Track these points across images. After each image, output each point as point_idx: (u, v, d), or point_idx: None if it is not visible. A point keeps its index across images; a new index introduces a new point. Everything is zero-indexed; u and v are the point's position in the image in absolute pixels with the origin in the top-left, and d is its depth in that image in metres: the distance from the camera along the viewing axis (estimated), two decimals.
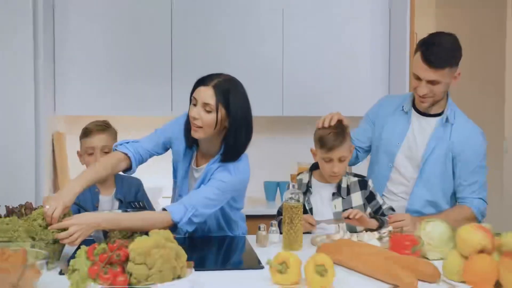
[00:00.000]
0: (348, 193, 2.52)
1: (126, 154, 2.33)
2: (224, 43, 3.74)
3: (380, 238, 2.25)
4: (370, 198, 2.54)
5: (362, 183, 2.55)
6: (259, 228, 2.30)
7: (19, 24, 3.25)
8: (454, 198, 2.67)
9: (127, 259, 1.62)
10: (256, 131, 2.49)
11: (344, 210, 2.47)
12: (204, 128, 2.22)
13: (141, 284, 1.59)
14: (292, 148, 3.95)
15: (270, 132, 4.02)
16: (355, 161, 2.89)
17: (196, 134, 2.25)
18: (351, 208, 2.47)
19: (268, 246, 2.29)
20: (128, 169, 2.37)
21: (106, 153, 2.65)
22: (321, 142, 2.45)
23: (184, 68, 3.70)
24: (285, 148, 4.04)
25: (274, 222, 2.39)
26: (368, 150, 2.81)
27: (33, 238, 1.92)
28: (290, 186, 2.29)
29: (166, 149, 2.48)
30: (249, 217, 2.76)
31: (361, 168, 2.92)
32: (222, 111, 2.20)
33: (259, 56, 3.75)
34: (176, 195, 2.48)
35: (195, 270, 1.76)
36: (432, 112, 2.63)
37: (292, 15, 3.77)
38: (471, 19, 4.40)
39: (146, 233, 1.73)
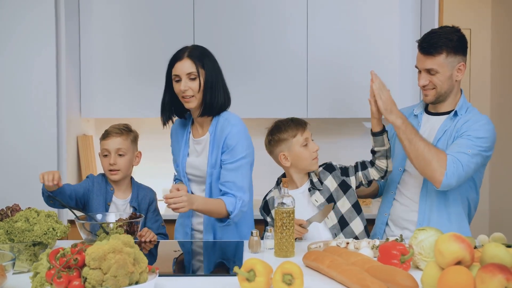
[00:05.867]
0: (321, 182, 2.54)
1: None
2: (246, 45, 3.69)
3: (375, 247, 2.16)
4: (344, 171, 2.57)
5: (328, 167, 2.59)
6: (252, 234, 2.25)
7: (42, 27, 3.32)
8: (467, 200, 2.52)
9: (85, 264, 1.61)
10: None
11: (326, 199, 2.50)
12: (195, 95, 2.42)
13: None
14: None
15: None
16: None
17: (190, 104, 2.43)
18: (331, 195, 2.50)
19: (260, 252, 2.23)
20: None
21: (121, 155, 2.68)
22: (297, 127, 2.52)
23: None
24: None
25: (269, 227, 2.33)
26: None
27: (13, 240, 1.95)
28: (281, 190, 2.22)
29: None
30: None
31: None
32: (202, 73, 2.42)
33: (283, 57, 3.68)
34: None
35: (160, 276, 1.73)
36: (443, 110, 2.54)
37: (317, 13, 3.68)
38: None
39: None
